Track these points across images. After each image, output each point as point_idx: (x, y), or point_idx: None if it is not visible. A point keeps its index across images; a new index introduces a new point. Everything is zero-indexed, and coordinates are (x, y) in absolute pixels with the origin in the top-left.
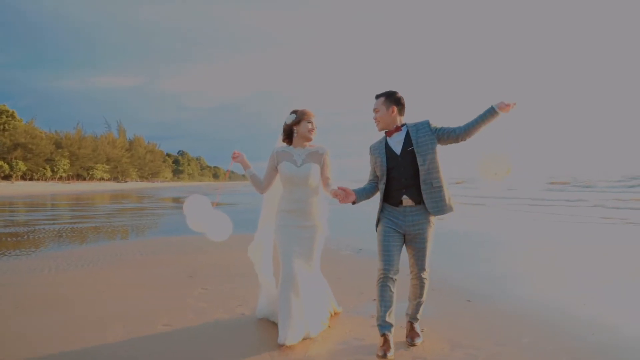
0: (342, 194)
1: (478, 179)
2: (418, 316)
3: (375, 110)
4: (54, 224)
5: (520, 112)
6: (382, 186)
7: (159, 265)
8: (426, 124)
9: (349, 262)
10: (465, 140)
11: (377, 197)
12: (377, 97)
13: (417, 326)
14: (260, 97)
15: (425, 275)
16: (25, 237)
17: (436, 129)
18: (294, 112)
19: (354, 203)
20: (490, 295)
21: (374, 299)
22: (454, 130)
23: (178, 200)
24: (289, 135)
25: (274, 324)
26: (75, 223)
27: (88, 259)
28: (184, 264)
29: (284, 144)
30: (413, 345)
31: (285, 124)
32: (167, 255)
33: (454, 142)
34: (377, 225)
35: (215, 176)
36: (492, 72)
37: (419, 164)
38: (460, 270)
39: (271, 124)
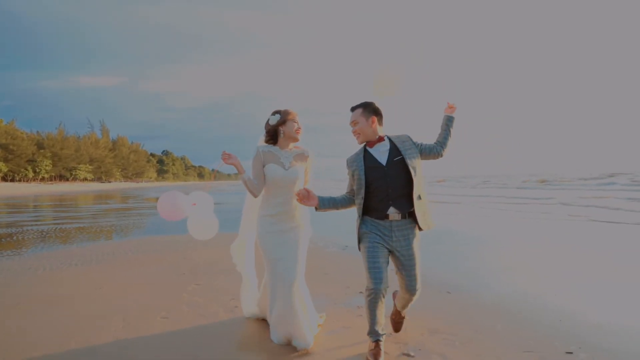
0: (303, 194)
1: (456, 178)
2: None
3: (354, 123)
4: (41, 224)
5: (514, 110)
6: (360, 200)
7: (151, 263)
8: (408, 137)
9: (335, 259)
10: (444, 155)
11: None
12: (353, 109)
13: (403, 312)
14: (246, 97)
15: (416, 295)
16: (14, 237)
17: (418, 144)
18: (277, 112)
19: (317, 209)
20: (469, 287)
21: (360, 292)
22: (434, 147)
23: None
24: (273, 136)
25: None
26: (62, 224)
27: (81, 258)
28: (174, 261)
29: (267, 144)
30: (397, 331)
31: (268, 124)
32: (158, 253)
33: (435, 159)
34: (359, 241)
35: (200, 176)
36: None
37: (412, 174)
38: (441, 264)
39: (256, 124)
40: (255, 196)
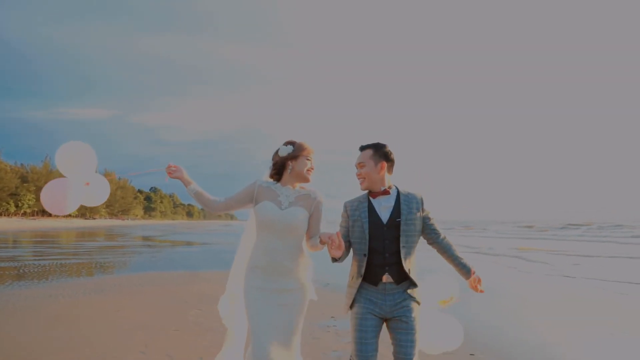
0: (337, 241)
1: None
2: None
3: (360, 165)
4: (42, 259)
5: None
6: (362, 258)
7: (155, 293)
8: (420, 201)
9: (317, 294)
10: (433, 246)
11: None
12: (363, 148)
13: None
14: (241, 133)
15: None
16: (22, 270)
17: (426, 217)
18: (291, 143)
19: (339, 259)
20: (493, 347)
21: (333, 316)
22: (437, 236)
23: (152, 239)
24: (279, 170)
25: None
26: (62, 259)
27: (93, 288)
28: (176, 292)
29: (270, 180)
30: None
31: (277, 155)
32: (159, 286)
33: (426, 241)
34: (351, 306)
35: (189, 214)
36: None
37: (400, 243)
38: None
39: (254, 162)
40: (214, 211)
